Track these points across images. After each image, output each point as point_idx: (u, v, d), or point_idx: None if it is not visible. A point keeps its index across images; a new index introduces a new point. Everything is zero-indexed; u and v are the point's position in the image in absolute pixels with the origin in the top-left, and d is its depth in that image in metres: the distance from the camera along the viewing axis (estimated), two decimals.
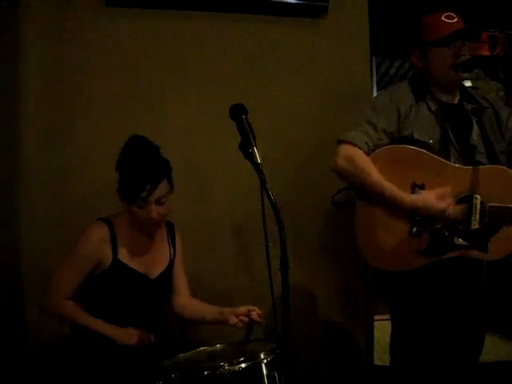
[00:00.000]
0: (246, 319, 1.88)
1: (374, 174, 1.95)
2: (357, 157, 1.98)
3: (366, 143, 1.99)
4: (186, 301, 2.12)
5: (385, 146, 2.01)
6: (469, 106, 2.09)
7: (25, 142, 2.43)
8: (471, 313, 2.04)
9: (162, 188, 1.87)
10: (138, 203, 1.87)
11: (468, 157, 2.01)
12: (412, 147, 1.97)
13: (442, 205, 1.88)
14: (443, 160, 1.96)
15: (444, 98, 2.08)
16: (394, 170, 1.97)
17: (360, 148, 1.99)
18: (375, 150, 2.01)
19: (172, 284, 2.12)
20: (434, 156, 1.96)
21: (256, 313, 1.88)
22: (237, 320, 1.89)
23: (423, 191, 1.94)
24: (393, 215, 1.98)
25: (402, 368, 2.09)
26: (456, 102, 2.11)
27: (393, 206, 1.96)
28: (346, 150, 2.01)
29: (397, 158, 1.99)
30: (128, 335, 1.85)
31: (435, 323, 1.99)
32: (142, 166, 1.86)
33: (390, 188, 1.93)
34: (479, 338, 2.10)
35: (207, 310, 2.05)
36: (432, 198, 1.89)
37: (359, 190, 2.03)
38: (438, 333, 1.99)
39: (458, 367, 2.02)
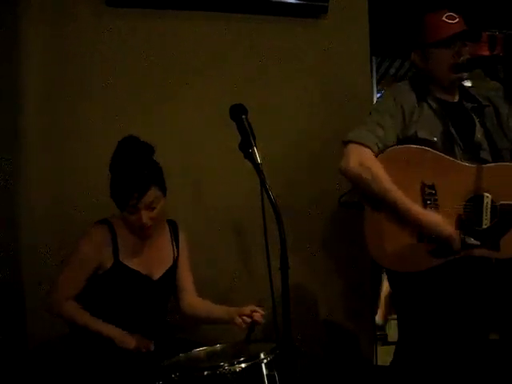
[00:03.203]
0: (248, 320, 1.88)
1: (391, 187, 1.91)
2: (369, 161, 1.94)
3: (377, 144, 1.96)
4: (193, 300, 2.12)
5: (391, 146, 1.98)
6: (469, 105, 2.10)
7: (25, 142, 2.42)
8: (478, 313, 2.02)
9: (150, 195, 1.86)
10: (128, 210, 1.87)
11: (472, 154, 2.01)
12: (420, 146, 1.96)
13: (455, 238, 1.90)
14: (452, 159, 1.96)
15: (444, 96, 2.08)
16: (402, 171, 1.95)
17: (371, 149, 1.95)
18: (383, 150, 1.97)
19: (178, 283, 2.12)
20: (442, 155, 1.95)
21: (259, 314, 1.88)
22: (240, 320, 1.89)
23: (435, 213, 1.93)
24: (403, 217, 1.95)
25: (404, 368, 2.09)
26: (456, 100, 2.11)
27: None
28: (357, 152, 1.95)
29: (405, 157, 1.96)
30: (127, 339, 1.84)
31: (443, 323, 1.97)
32: (130, 174, 1.84)
33: (404, 201, 1.91)
34: (484, 338, 2.09)
35: (214, 310, 2.06)
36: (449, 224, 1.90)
37: (368, 195, 1.99)
38: (446, 333, 1.98)
39: (464, 367, 2.01)
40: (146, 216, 1.87)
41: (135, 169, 1.85)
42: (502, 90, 2.18)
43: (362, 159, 1.94)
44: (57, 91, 2.47)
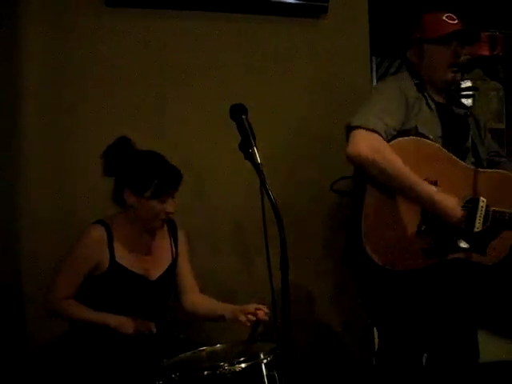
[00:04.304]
0: (253, 318, 1.88)
1: (404, 168, 1.86)
2: (384, 147, 1.86)
3: (385, 132, 1.89)
4: (196, 298, 2.12)
5: (395, 137, 1.94)
6: (460, 111, 2.10)
7: (25, 142, 2.42)
8: (465, 314, 2.03)
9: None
10: (162, 199, 1.90)
11: (460, 159, 2.01)
12: (429, 141, 1.94)
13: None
14: (455, 158, 1.96)
15: (436, 97, 2.08)
16: (409, 163, 1.90)
17: (381, 136, 1.87)
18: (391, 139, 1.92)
19: (178, 282, 2.11)
20: (447, 152, 1.95)
21: (263, 312, 1.88)
22: (245, 318, 1.89)
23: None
24: (405, 210, 1.92)
25: (387, 370, 2.07)
26: (444, 103, 2.11)
27: (411, 202, 1.91)
28: (367, 138, 1.86)
29: (414, 150, 1.93)
30: (128, 323, 1.84)
31: (427, 324, 1.97)
32: (170, 165, 1.94)
33: (421, 184, 1.87)
34: (473, 341, 2.09)
35: (217, 307, 2.05)
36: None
37: (376, 181, 1.92)
38: (428, 333, 1.97)
39: (455, 369, 2.01)
40: (174, 205, 1.95)
41: (166, 160, 1.95)
42: (502, 90, 2.19)
43: (375, 145, 1.86)
44: (57, 91, 2.47)
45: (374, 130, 1.87)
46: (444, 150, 1.95)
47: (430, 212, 1.91)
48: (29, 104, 2.43)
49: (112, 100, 2.52)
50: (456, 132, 2.04)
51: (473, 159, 2.06)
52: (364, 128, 1.87)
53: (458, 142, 2.02)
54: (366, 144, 1.86)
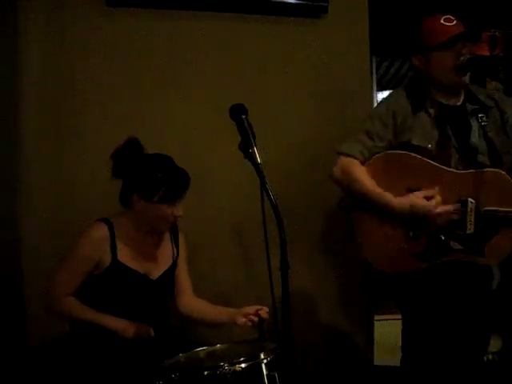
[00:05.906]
0: (255, 318, 1.89)
1: (367, 183, 2.01)
2: (351, 167, 2.06)
3: (361, 152, 2.05)
4: (190, 301, 2.13)
5: (380, 152, 2.05)
6: (470, 107, 2.09)
7: (25, 142, 2.42)
8: (477, 314, 2.03)
9: None
10: (172, 202, 1.91)
11: (469, 158, 2.00)
12: (407, 153, 2.00)
13: (429, 204, 1.92)
14: (439, 165, 1.97)
15: (445, 100, 2.07)
16: (389, 176, 2.01)
17: (356, 158, 2.05)
18: (372, 157, 2.05)
19: (175, 284, 2.12)
20: (430, 161, 1.97)
21: (264, 311, 1.90)
22: (245, 320, 1.90)
23: (410, 194, 1.97)
24: (390, 220, 2.02)
25: (411, 366, 2.09)
26: (459, 103, 2.10)
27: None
28: (342, 161, 2.09)
29: (392, 164, 2.03)
30: (127, 327, 1.85)
31: (441, 323, 1.99)
32: (181, 169, 1.95)
33: (380, 195, 1.99)
34: (484, 339, 2.10)
35: (213, 311, 2.06)
36: (419, 197, 1.94)
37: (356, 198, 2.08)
38: (442, 333, 1.99)
39: (463, 366, 2.02)
40: (182, 207, 1.96)
41: (174, 164, 1.96)
42: (502, 90, 2.18)
43: (346, 166, 2.07)
44: (56, 91, 2.46)
45: (349, 155, 2.08)
46: (424, 158, 1.98)
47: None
48: (29, 104, 2.43)
49: (112, 100, 2.52)
50: (459, 132, 2.03)
51: (488, 155, 2.03)
52: (342, 154, 2.10)
53: (461, 142, 2.02)
54: (339, 167, 2.10)
